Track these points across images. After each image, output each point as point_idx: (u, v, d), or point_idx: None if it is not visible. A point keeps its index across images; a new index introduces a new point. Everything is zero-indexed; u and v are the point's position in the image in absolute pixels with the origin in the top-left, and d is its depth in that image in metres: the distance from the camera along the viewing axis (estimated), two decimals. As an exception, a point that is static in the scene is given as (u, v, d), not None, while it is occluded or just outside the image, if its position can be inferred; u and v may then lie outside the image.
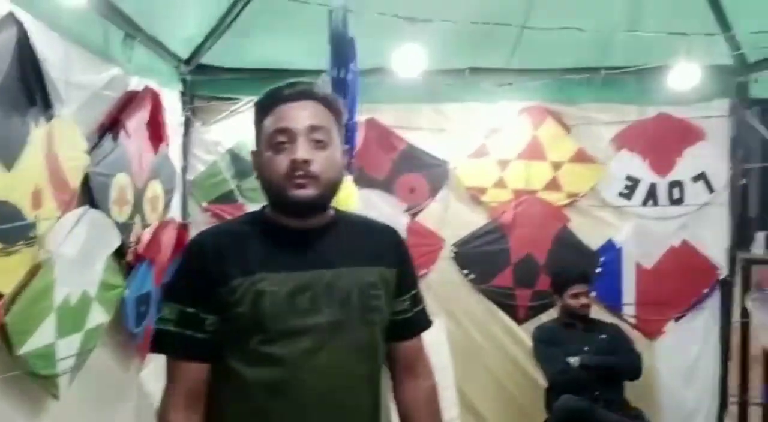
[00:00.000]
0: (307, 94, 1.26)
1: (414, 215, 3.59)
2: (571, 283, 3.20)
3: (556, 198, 3.57)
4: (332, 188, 1.25)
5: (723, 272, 3.54)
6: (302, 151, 1.20)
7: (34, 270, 2.08)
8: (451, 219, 3.59)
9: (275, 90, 1.28)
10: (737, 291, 3.51)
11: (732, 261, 3.54)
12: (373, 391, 1.27)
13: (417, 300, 1.38)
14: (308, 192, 1.20)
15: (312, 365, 1.18)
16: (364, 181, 3.34)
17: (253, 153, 1.30)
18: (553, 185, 3.56)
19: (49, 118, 2.14)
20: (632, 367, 3.09)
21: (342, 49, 2.40)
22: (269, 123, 1.24)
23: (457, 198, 3.60)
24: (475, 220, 3.61)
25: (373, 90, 3.19)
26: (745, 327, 3.46)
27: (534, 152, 3.55)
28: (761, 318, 3.15)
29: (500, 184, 3.57)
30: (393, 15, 2.55)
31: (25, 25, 1.97)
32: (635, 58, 3.26)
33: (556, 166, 3.56)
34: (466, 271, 3.59)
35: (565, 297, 3.20)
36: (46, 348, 2.17)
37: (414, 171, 3.59)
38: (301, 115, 1.23)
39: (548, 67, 3.42)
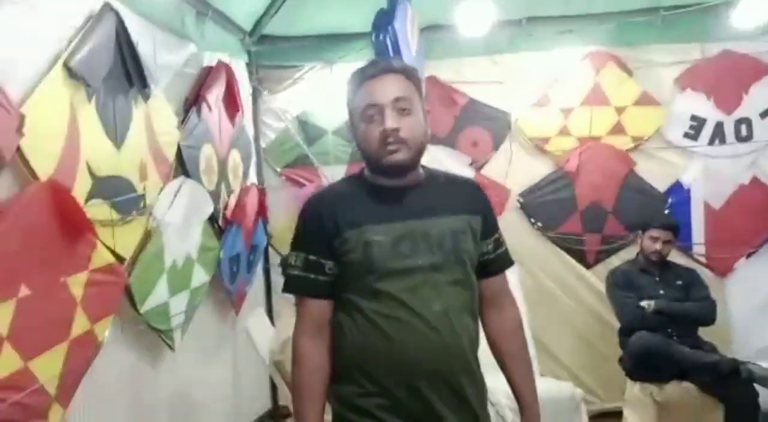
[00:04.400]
0: (387, 69, 1.43)
1: (479, 168, 3.68)
2: (652, 226, 3.24)
3: (621, 142, 3.58)
4: (420, 149, 1.43)
5: (794, 207, 3.52)
6: (390, 120, 1.38)
7: (147, 237, 2.30)
8: (515, 170, 3.66)
9: (360, 70, 1.46)
10: (810, 224, 3.49)
11: (803, 196, 3.51)
12: (472, 316, 1.47)
13: (499, 242, 1.56)
14: (400, 156, 1.39)
15: (419, 297, 1.38)
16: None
17: (350, 127, 1.49)
18: (618, 129, 3.58)
19: (146, 97, 2.33)
20: (706, 315, 3.12)
21: (382, 13, 2.48)
22: (359, 99, 1.43)
23: (521, 148, 3.67)
24: (539, 170, 3.68)
25: (431, 47, 3.26)
26: (820, 261, 3.46)
27: (597, 98, 3.56)
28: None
29: (564, 131, 3.61)
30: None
31: (119, 13, 2.13)
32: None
33: (620, 110, 3.56)
34: (533, 220, 3.68)
35: (644, 237, 3.25)
36: (162, 306, 2.42)
37: (476, 125, 3.66)
38: (385, 89, 1.40)
39: (606, 10, 3.40)
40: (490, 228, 1.52)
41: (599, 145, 3.60)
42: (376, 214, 1.42)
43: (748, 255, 3.58)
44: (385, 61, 1.49)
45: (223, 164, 3.05)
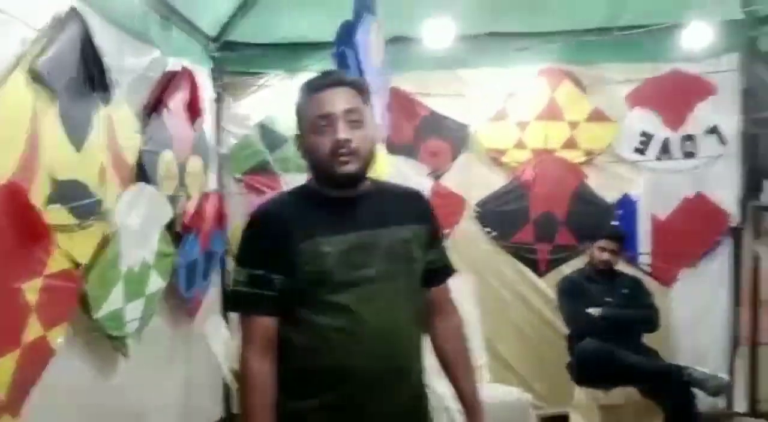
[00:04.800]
0: (339, 81, 1.45)
1: (438, 178, 3.77)
2: (600, 236, 3.38)
3: (573, 156, 3.73)
4: (369, 161, 1.45)
5: (734, 220, 3.71)
6: (342, 131, 1.39)
7: (104, 243, 2.29)
8: (473, 180, 3.76)
9: (311, 81, 1.47)
10: (748, 238, 3.68)
11: (743, 209, 3.70)
12: (418, 325, 1.51)
13: (443, 251, 1.61)
14: (352, 167, 1.40)
15: (371, 308, 1.40)
16: (388, 148, 3.50)
17: (297, 137, 1.49)
18: (571, 144, 3.72)
19: (107, 101, 2.31)
20: (650, 322, 3.29)
21: (345, 26, 2.53)
22: (309, 109, 1.43)
23: (479, 160, 3.77)
24: (495, 181, 3.79)
25: (394, 59, 3.32)
26: (755, 272, 3.63)
27: (552, 113, 3.70)
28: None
29: (520, 144, 3.73)
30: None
31: (84, 18, 2.13)
32: (647, 17, 3.35)
33: (573, 125, 3.71)
34: (488, 229, 3.78)
35: (594, 247, 3.39)
36: (116, 312, 2.41)
37: (436, 136, 3.75)
38: (337, 101, 1.41)
39: (563, 29, 3.53)
40: (435, 237, 1.57)
41: (553, 158, 3.73)
42: (328, 225, 1.42)
43: (691, 266, 3.76)
44: (336, 73, 1.52)
45: (182, 170, 3.04)
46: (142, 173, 2.64)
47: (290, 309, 1.43)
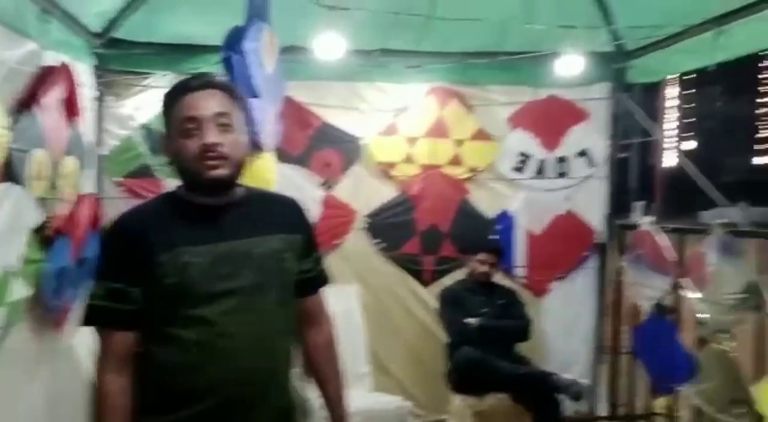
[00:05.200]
0: (210, 84, 1.41)
1: (329, 188, 3.80)
2: (479, 250, 3.55)
3: (458, 172, 3.90)
4: (240, 166, 1.41)
5: (601, 237, 4.03)
6: (211, 135, 1.35)
7: (-39, 246, 2.11)
8: (363, 192, 3.84)
9: (182, 82, 1.43)
10: (612, 253, 4.01)
11: (609, 227, 4.04)
12: (290, 337, 1.49)
13: (318, 260, 1.58)
14: (221, 172, 1.36)
15: (239, 321, 1.36)
16: (281, 157, 3.48)
17: (163, 138, 1.45)
18: (456, 160, 3.89)
19: (-29, 94, 2.15)
20: (523, 332, 3.51)
21: (234, 32, 2.52)
22: (178, 112, 1.38)
23: (369, 172, 3.85)
24: (385, 193, 3.88)
25: (289, 68, 3.33)
26: (618, 286, 3.95)
27: (439, 130, 3.85)
28: (633, 277, 3.63)
29: (408, 159, 3.85)
30: (314, 2, 2.69)
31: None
32: (529, 44, 3.59)
33: (459, 143, 3.88)
34: (377, 240, 3.86)
35: (474, 260, 3.55)
36: (-27, 322, 2.21)
37: (329, 147, 3.78)
38: (206, 104, 1.37)
39: (453, 50, 3.70)
40: (310, 246, 1.54)
41: (439, 174, 3.88)
42: (194, 235, 1.37)
43: (561, 278, 4.03)
44: (207, 76, 1.46)
45: (55, 170, 2.86)
46: (10, 173, 2.46)
47: (152, 324, 1.37)
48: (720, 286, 2.90)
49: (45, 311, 2.89)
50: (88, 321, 1.40)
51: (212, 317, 1.35)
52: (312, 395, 1.65)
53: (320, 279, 1.60)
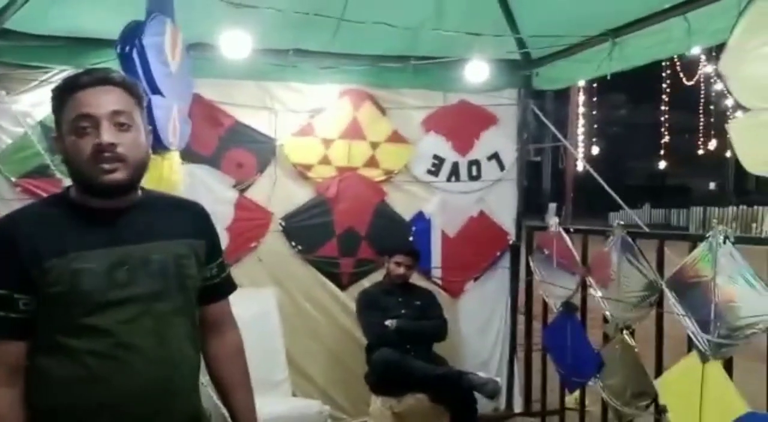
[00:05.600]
0: (106, 80, 1.31)
1: (242, 190, 3.70)
2: (396, 252, 3.56)
3: (374, 174, 3.90)
4: (140, 169, 1.33)
5: (512, 238, 4.16)
6: (107, 134, 1.26)
7: None
8: (278, 194, 3.75)
9: (74, 77, 1.32)
10: (523, 253, 4.13)
11: (519, 228, 4.17)
12: (195, 346, 1.42)
13: (223, 266, 1.52)
14: (118, 176, 1.28)
15: (138, 330, 1.29)
16: (190, 157, 3.36)
17: (55, 138, 1.35)
18: (372, 163, 3.89)
19: None
20: (439, 332, 3.56)
21: (131, 26, 2.42)
22: (70, 109, 1.28)
23: (285, 174, 3.77)
24: (301, 195, 3.82)
25: (198, 65, 3.23)
26: (529, 284, 4.09)
27: (355, 132, 3.84)
28: (542, 277, 3.76)
29: (325, 160, 3.81)
30: (220, -1, 2.62)
31: None
32: (440, 50, 3.65)
33: (374, 145, 3.89)
34: (293, 243, 3.80)
35: (390, 262, 3.57)
36: None
37: (242, 147, 3.68)
38: (102, 101, 1.28)
39: (365, 52, 3.70)
40: (214, 252, 1.48)
41: (355, 176, 3.87)
42: (86, 240, 1.29)
43: (476, 279, 4.12)
44: (102, 70, 1.34)
45: (-62, 170, 2.64)
46: None
47: (41, 334, 1.28)
48: (622, 284, 3.05)
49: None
50: None
51: (109, 326, 1.27)
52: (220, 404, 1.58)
53: (225, 286, 1.54)
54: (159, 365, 1.31)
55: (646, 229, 3.38)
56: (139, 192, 1.39)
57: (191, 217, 1.47)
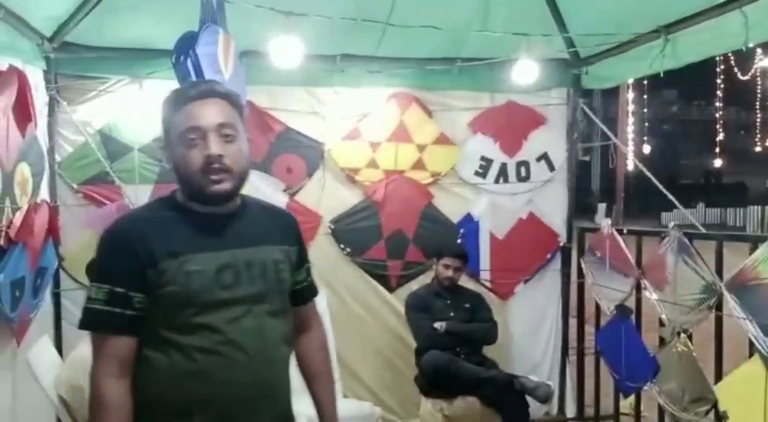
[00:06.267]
0: (211, 93, 1.41)
1: (292, 194, 3.76)
2: (445, 255, 3.56)
3: (421, 177, 3.91)
4: (243, 178, 1.42)
5: (563, 239, 4.09)
6: (215, 146, 1.35)
7: None
8: (327, 197, 3.81)
9: (182, 90, 1.43)
10: (574, 255, 4.07)
11: (569, 229, 4.10)
12: (289, 345, 1.51)
13: (309, 271, 1.63)
14: (225, 186, 1.37)
15: (241, 328, 1.38)
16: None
17: (163, 148, 1.45)
18: (419, 165, 3.90)
19: None
20: (489, 335, 3.53)
21: (186, 37, 2.49)
22: (179, 121, 1.38)
23: (333, 177, 3.83)
24: (349, 198, 3.86)
25: (249, 72, 3.30)
26: (581, 287, 4.02)
27: (401, 135, 3.86)
28: (594, 279, 3.69)
29: (372, 164, 3.85)
30: (270, 8, 2.67)
31: None
32: (486, 51, 3.63)
33: (421, 147, 3.90)
34: (342, 245, 3.84)
35: (438, 265, 3.56)
36: None
37: (291, 152, 3.75)
38: (209, 113, 1.37)
39: (411, 55, 3.72)
40: (303, 257, 1.58)
41: (403, 178, 3.89)
42: (197, 243, 1.37)
43: (526, 281, 4.07)
44: (208, 83, 1.45)
45: (8, 178, 2.77)
46: (-43, 181, 2.38)
47: (152, 330, 1.36)
48: (679, 287, 2.97)
49: (3, 321, 2.80)
50: (87, 324, 1.37)
51: (218, 325, 1.35)
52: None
53: (312, 289, 1.64)
54: (259, 362, 1.39)
55: (702, 230, 3.27)
56: (237, 198, 1.47)
57: (284, 225, 1.56)
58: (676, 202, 3.78)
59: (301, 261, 1.56)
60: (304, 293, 1.59)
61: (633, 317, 3.39)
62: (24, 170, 2.95)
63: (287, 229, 1.54)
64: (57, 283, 3.46)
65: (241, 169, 1.40)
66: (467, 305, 3.58)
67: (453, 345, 3.37)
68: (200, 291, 1.34)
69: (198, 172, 1.36)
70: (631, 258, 3.36)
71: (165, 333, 1.35)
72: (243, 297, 1.38)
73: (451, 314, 3.49)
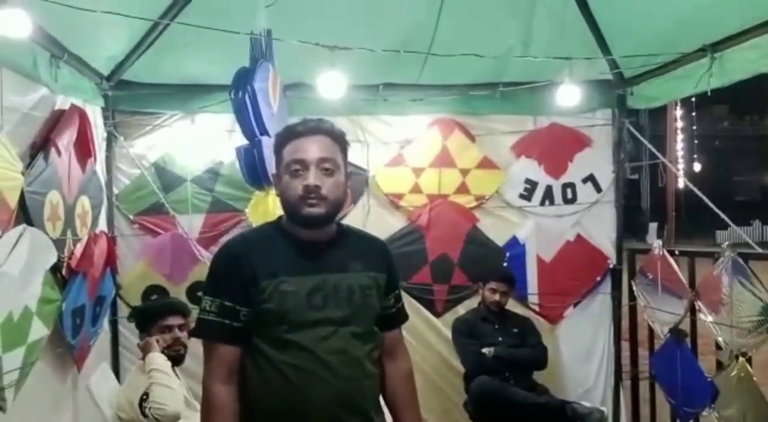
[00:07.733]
0: (317, 130, 1.56)
1: (338, 221, 3.81)
2: (491, 279, 3.54)
3: (465, 200, 3.92)
4: (338, 206, 1.57)
5: (612, 261, 4.01)
6: (313, 178, 1.51)
7: (-22, 289, 2.15)
8: (372, 223, 3.83)
9: (291, 126, 1.59)
10: (625, 277, 3.98)
11: (619, 251, 4.02)
12: (375, 366, 1.60)
13: (399, 297, 1.73)
14: (318, 210, 1.51)
15: (328, 348, 1.50)
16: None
17: (274, 176, 1.62)
18: (463, 189, 3.92)
19: (-14, 141, 2.21)
20: (538, 360, 3.49)
21: (242, 72, 2.60)
22: (287, 153, 1.55)
23: (377, 203, 3.88)
24: (394, 223, 3.90)
25: (293, 104, 3.41)
26: (633, 309, 3.93)
27: (444, 160, 3.89)
28: (646, 301, 3.60)
29: (416, 189, 3.89)
30: (315, 43, 2.76)
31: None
32: (528, 74, 3.63)
33: (464, 172, 3.91)
34: (387, 271, 3.86)
35: (485, 289, 3.55)
36: (-9, 363, 2.24)
37: (336, 179, 3.82)
38: (312, 148, 1.53)
39: (453, 82, 3.76)
40: (392, 285, 1.68)
41: (446, 203, 3.91)
42: (292, 266, 1.52)
43: (575, 304, 4.00)
44: (315, 121, 1.59)
45: (70, 211, 2.92)
46: (26, 215, 2.52)
47: (250, 343, 1.51)
48: (736, 309, 2.87)
49: (65, 349, 2.93)
50: (200, 334, 1.54)
51: (307, 343, 1.49)
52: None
53: (400, 316, 1.74)
54: (345, 381, 1.51)
55: (758, 249, 3.17)
56: (335, 226, 1.62)
57: (376, 252, 1.68)
58: (729, 221, 3.67)
59: (391, 287, 1.66)
60: (391, 319, 1.68)
61: (688, 340, 3.28)
62: (84, 203, 3.11)
63: (379, 257, 1.65)
64: (114, 311, 3.59)
65: (336, 197, 1.55)
66: (515, 330, 3.54)
67: (502, 371, 3.34)
68: (292, 311, 1.49)
69: (298, 198, 1.51)
70: (684, 279, 3.28)
71: (259, 345, 1.50)
72: (330, 319, 1.51)
73: (499, 339, 3.46)
